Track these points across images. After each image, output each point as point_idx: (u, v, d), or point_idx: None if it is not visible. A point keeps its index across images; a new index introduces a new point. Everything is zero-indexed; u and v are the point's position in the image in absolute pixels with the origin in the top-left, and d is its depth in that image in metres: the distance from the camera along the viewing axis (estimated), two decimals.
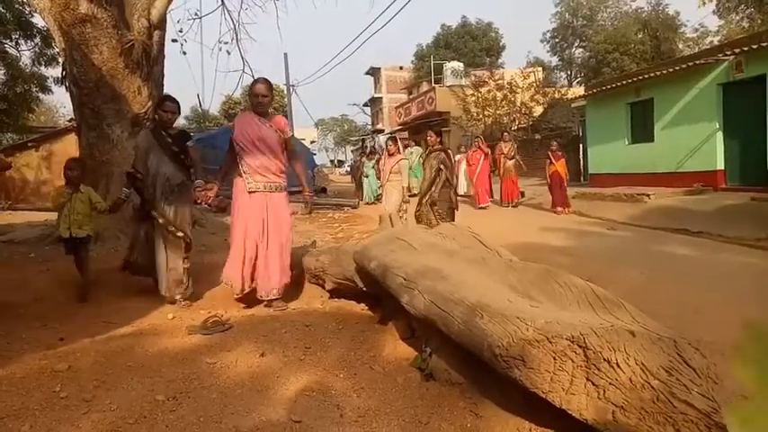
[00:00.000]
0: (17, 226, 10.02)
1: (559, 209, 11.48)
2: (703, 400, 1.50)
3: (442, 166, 7.23)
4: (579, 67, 37.86)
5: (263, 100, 4.17)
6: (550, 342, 1.84)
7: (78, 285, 4.62)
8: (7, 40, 16.38)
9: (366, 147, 27.07)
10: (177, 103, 4.47)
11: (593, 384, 1.71)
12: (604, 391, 1.67)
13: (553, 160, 11.59)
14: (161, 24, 8.80)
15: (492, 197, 13.60)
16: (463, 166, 16.16)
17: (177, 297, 4.32)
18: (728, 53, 11.57)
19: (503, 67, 30.64)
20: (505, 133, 14.04)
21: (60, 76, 10.69)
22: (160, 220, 4.26)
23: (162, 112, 4.41)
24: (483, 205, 12.98)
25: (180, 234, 4.33)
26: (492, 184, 13.81)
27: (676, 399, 1.52)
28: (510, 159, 13.00)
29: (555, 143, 12.27)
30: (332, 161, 67.34)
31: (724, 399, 1.52)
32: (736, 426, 0.53)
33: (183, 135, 4.59)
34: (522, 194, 14.10)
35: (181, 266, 4.37)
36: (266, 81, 4.23)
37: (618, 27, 33.81)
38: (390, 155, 8.32)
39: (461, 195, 16.78)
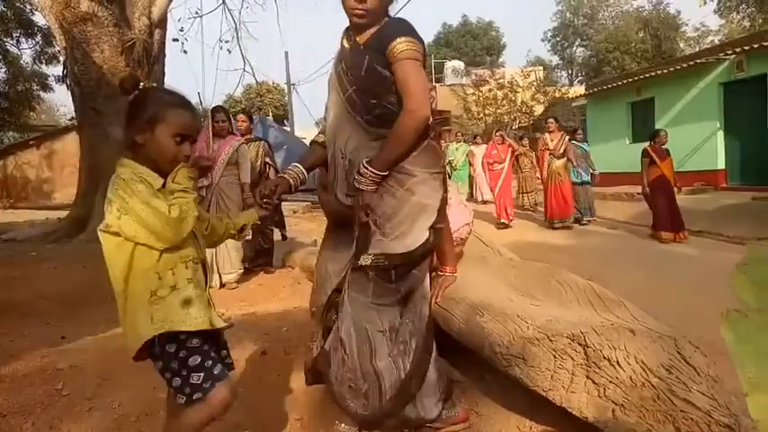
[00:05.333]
0: (18, 224, 10.03)
1: (666, 234, 7.18)
2: (703, 399, 1.51)
3: (268, 160, 5.74)
4: (580, 66, 37.83)
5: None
6: (551, 340, 1.84)
7: None
8: (8, 39, 16.40)
9: None
10: None
11: (594, 382, 1.71)
12: (605, 389, 1.68)
13: (656, 159, 7.45)
14: (162, 23, 8.82)
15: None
16: (478, 166, 12.47)
17: None
18: (729, 52, 11.58)
19: (503, 66, 30.61)
20: (551, 120, 9.21)
21: (61, 74, 10.73)
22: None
23: None
24: (506, 221, 9.16)
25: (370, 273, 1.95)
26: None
27: (676, 397, 1.53)
28: (559, 158, 8.75)
29: (663, 132, 7.83)
30: None
31: (724, 397, 1.53)
32: (734, 343, 0.54)
33: (383, 41, 1.89)
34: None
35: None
36: None
37: (619, 26, 33.83)
38: None
39: (483, 202, 12.59)
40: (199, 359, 1.50)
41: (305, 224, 10.08)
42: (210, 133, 4.78)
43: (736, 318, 0.56)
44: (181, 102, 1.59)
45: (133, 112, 1.54)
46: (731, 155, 12.07)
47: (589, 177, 9.59)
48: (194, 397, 1.48)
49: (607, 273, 4.99)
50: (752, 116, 11.31)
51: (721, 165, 12.17)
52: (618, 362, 1.68)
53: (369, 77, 1.91)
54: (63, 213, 9.90)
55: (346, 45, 2.05)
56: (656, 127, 13.65)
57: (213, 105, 5.02)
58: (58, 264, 5.83)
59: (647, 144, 7.91)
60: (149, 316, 1.47)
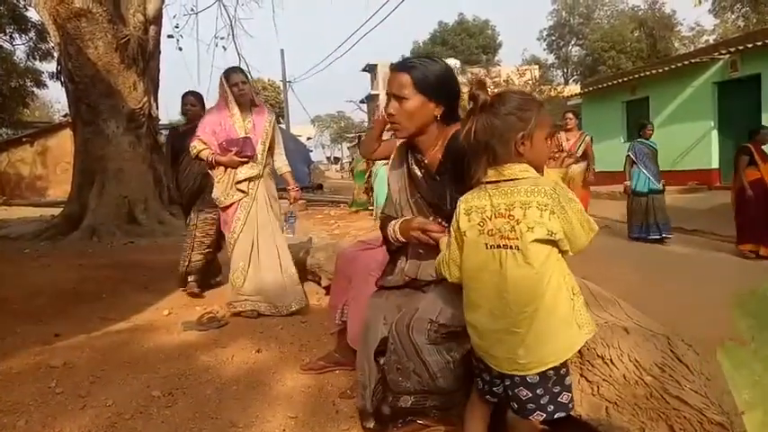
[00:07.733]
0: (12, 221, 9.98)
1: (765, 249, 5.90)
2: (696, 397, 1.52)
3: None
4: (575, 65, 37.87)
5: None
6: None
7: None
8: (1, 35, 16.29)
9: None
10: None
11: (587, 380, 1.72)
12: (598, 387, 1.68)
13: (759, 159, 6.19)
14: (157, 20, 8.78)
15: None
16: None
17: None
18: (724, 52, 11.63)
19: (499, 65, 30.69)
20: (569, 115, 7.38)
21: (55, 70, 10.66)
22: None
23: None
24: None
25: None
26: None
27: (669, 395, 1.54)
28: (576, 162, 7.04)
29: (766, 129, 6.58)
30: (328, 158, 67.26)
31: (717, 395, 1.54)
32: (729, 370, 0.56)
33: (457, 166, 1.98)
34: None
35: None
36: None
37: (614, 25, 33.87)
38: None
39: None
40: (570, 380, 1.51)
41: (300, 222, 10.06)
42: (235, 104, 3.66)
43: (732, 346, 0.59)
44: (541, 103, 1.57)
45: (508, 121, 1.48)
46: (725, 154, 12.11)
47: (660, 185, 7.46)
48: (556, 416, 1.47)
49: (602, 272, 5.00)
50: (746, 115, 11.36)
51: (715, 164, 12.23)
52: (611, 360, 1.69)
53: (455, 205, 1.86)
54: (57, 210, 9.85)
55: (418, 172, 1.98)
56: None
57: (229, 67, 3.78)
58: (52, 261, 5.80)
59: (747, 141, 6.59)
60: (575, 322, 1.46)
